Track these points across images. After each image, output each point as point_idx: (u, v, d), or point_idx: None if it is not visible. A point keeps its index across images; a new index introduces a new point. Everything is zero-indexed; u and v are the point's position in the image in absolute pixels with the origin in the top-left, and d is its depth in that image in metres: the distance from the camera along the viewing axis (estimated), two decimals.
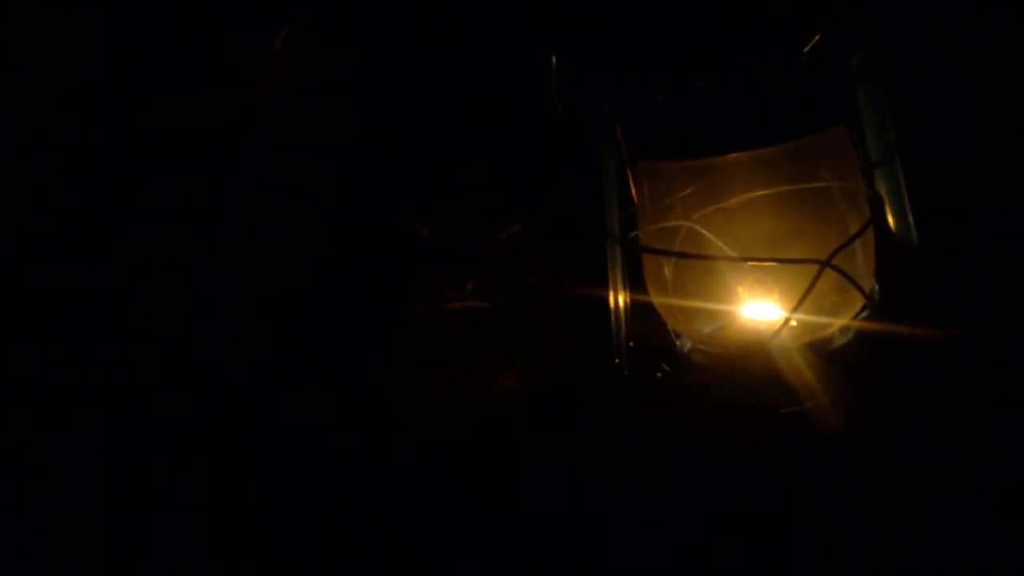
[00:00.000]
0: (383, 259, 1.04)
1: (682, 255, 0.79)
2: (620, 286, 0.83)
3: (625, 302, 0.83)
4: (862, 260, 0.77)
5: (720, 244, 0.76)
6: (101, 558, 0.90)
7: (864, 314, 0.77)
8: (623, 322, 0.84)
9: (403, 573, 0.87)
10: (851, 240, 0.74)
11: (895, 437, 0.78)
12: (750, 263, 0.77)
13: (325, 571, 0.88)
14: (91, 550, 0.90)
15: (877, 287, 0.78)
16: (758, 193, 0.77)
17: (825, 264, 0.73)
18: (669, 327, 0.83)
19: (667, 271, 0.81)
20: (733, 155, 0.75)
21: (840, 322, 0.77)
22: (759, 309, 0.79)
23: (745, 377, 0.77)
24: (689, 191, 0.78)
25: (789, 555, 0.80)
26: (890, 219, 0.76)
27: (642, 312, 0.84)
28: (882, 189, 0.76)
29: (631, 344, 0.84)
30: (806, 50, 0.72)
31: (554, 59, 0.78)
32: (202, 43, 1.01)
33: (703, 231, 0.77)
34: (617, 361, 0.84)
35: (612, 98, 0.80)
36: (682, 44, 0.75)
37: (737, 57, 0.74)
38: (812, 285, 0.73)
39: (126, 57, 1.00)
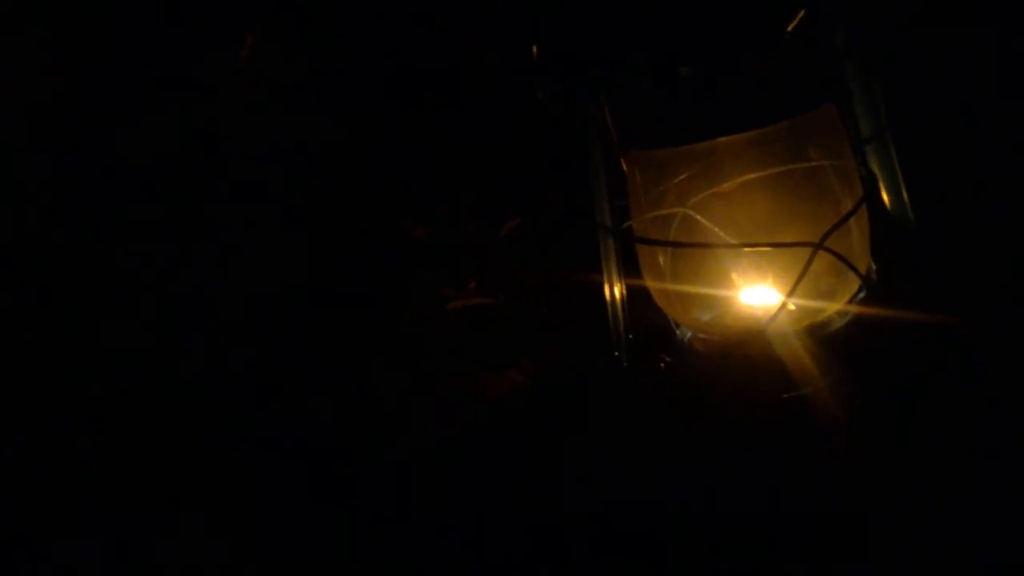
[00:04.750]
0: (381, 259, 1.04)
1: (676, 244, 0.78)
2: (615, 278, 0.82)
3: (621, 294, 0.82)
4: (858, 240, 0.75)
5: (715, 230, 0.75)
6: (101, 559, 0.90)
7: (861, 295, 0.76)
8: (620, 314, 0.83)
9: (403, 573, 0.86)
10: (844, 220, 0.73)
11: (893, 421, 0.77)
12: (745, 248, 0.76)
13: (325, 571, 0.88)
14: (90, 551, 0.90)
15: (874, 267, 0.77)
16: (751, 176, 0.75)
17: (818, 246, 0.72)
18: (668, 316, 0.82)
19: (663, 260, 0.80)
20: (723, 139, 0.74)
21: (836, 305, 0.76)
22: (756, 294, 0.78)
23: (745, 363, 0.76)
24: (681, 178, 0.77)
25: (788, 545, 0.79)
26: (884, 196, 0.75)
27: (641, 303, 0.83)
28: (875, 166, 0.75)
29: (629, 336, 0.83)
30: (790, 28, 0.71)
31: (535, 49, 0.77)
32: (183, 52, 1.01)
33: (698, 217, 0.76)
34: (616, 353, 0.83)
35: (598, 88, 0.79)
36: (665, 30, 0.74)
37: (721, 40, 0.72)
38: (806, 268, 0.72)
39: (98, 72, 1.00)
